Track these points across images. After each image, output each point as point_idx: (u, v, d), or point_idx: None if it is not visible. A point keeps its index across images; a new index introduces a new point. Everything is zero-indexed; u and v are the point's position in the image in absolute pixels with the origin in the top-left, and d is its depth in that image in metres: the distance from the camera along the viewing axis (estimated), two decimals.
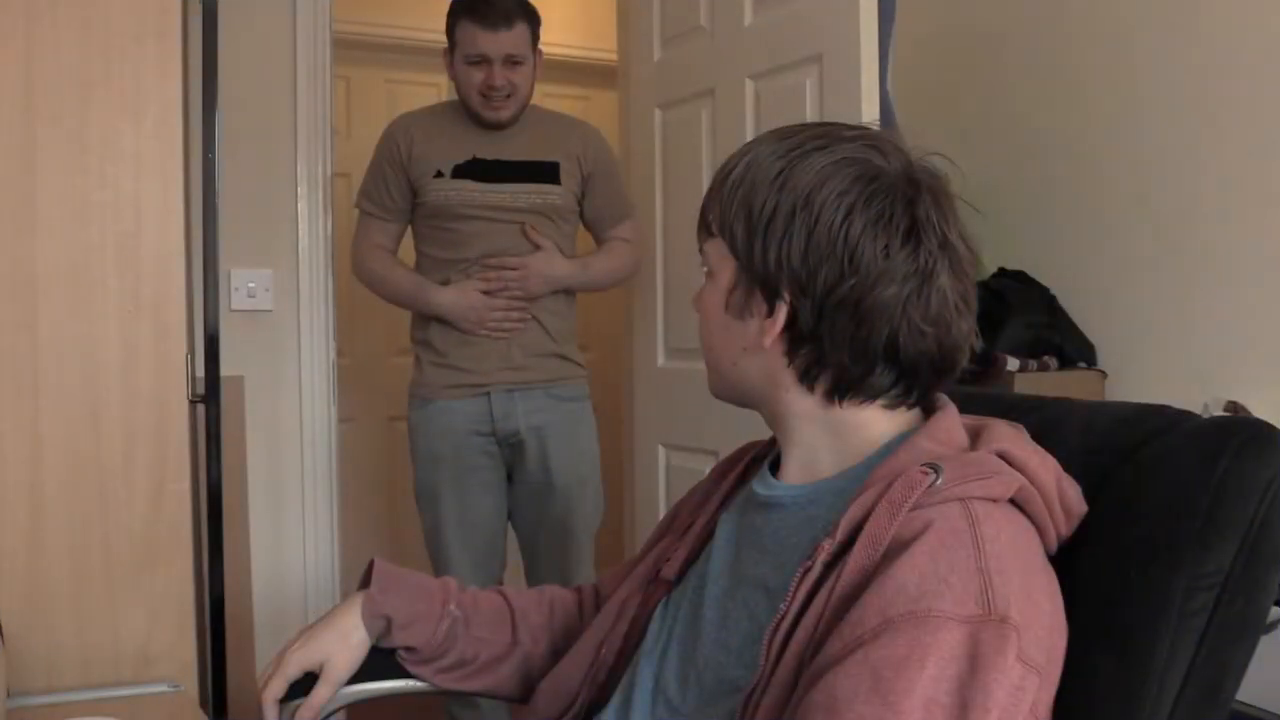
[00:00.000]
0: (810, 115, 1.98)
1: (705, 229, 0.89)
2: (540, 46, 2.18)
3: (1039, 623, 0.70)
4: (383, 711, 1.37)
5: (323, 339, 2.50)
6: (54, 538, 1.33)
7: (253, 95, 2.38)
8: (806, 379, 0.84)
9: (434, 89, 3.69)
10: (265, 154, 2.42)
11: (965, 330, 0.84)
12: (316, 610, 2.48)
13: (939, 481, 0.74)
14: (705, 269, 0.91)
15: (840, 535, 0.75)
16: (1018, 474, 0.77)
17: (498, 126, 2.15)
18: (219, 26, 1.69)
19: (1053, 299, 2.20)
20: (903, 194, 0.81)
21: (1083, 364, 2.14)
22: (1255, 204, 1.88)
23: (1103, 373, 2.13)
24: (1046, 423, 0.91)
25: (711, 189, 0.89)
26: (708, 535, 0.98)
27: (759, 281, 0.84)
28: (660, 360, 2.48)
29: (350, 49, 3.38)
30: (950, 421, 0.84)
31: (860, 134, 0.85)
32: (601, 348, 3.68)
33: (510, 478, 2.22)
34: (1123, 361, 2.11)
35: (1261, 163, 1.87)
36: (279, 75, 2.43)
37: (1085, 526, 0.83)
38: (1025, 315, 2.14)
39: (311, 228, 2.49)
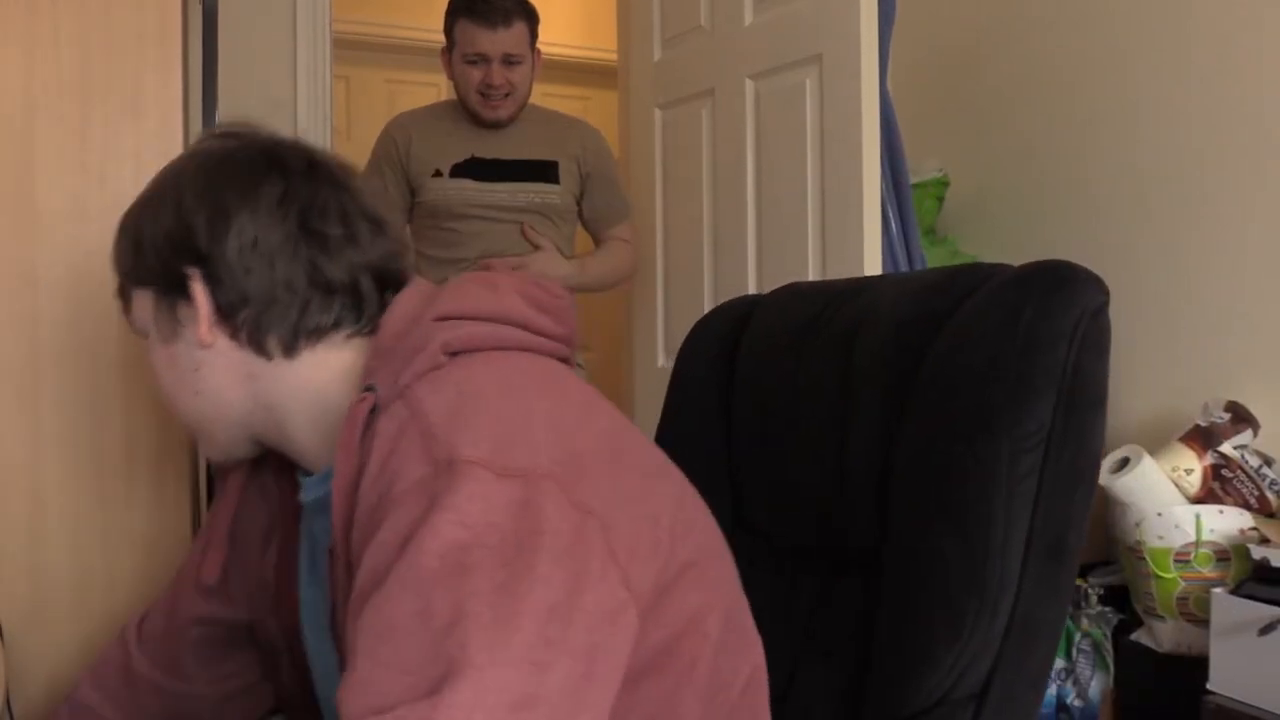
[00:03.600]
0: (810, 115, 1.98)
1: (121, 294, 0.87)
2: (539, 46, 2.19)
3: (538, 424, 0.67)
4: None
5: None
6: (54, 537, 1.33)
7: (253, 95, 2.38)
8: (259, 345, 0.80)
9: (434, 89, 3.69)
10: None
11: (391, 237, 0.83)
12: None
13: (379, 398, 0.71)
14: (143, 334, 0.87)
15: (337, 507, 0.71)
16: (447, 333, 0.73)
17: (496, 126, 2.15)
18: (219, 26, 1.68)
19: None
20: (257, 148, 0.82)
21: None
22: (1255, 204, 1.88)
23: None
24: (865, 302, 0.89)
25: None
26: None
27: (165, 282, 0.81)
28: (660, 360, 2.48)
29: (350, 49, 3.38)
30: (393, 318, 0.78)
31: (211, 133, 0.87)
32: (601, 348, 3.68)
33: None
34: (1122, 361, 2.11)
35: (1261, 163, 1.87)
36: (279, 75, 2.43)
37: (909, 400, 0.80)
38: None
39: None
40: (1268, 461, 1.72)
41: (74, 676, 1.22)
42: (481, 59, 2.09)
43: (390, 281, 0.83)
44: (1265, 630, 1.42)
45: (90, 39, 1.34)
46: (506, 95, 2.12)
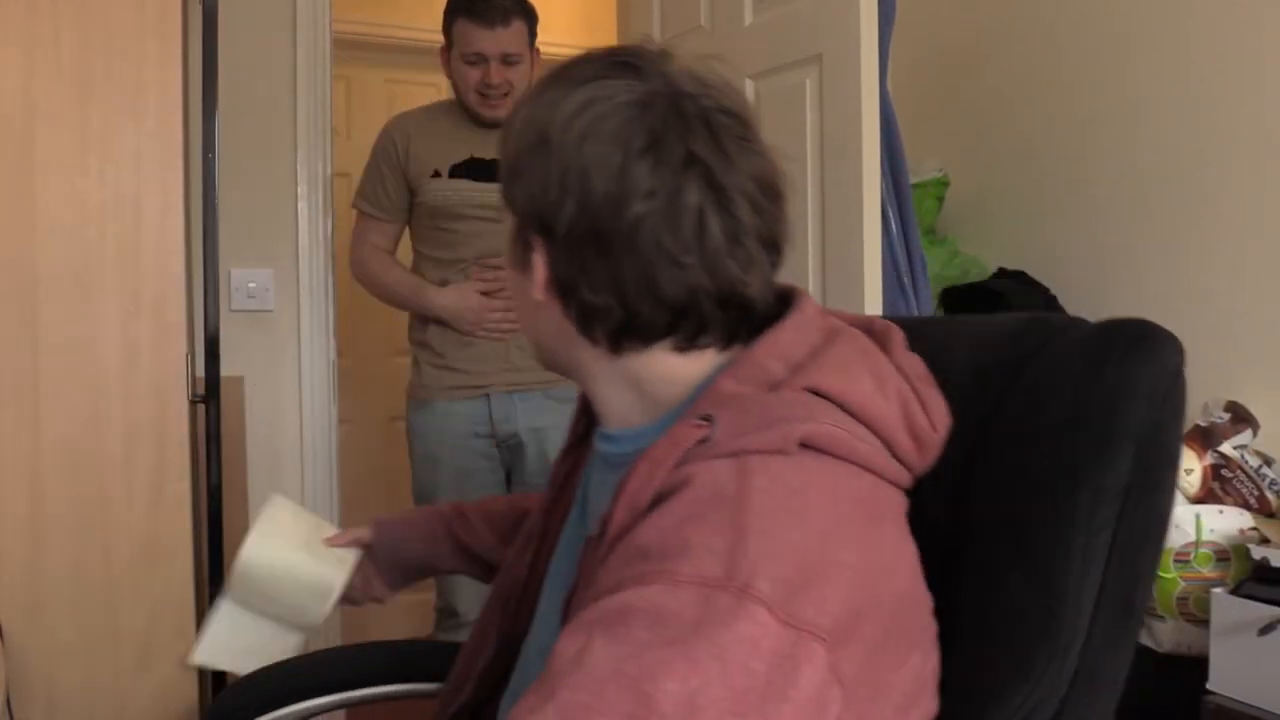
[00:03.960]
0: (810, 115, 1.98)
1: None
2: (538, 45, 2.19)
3: (828, 580, 0.61)
4: (383, 711, 1.37)
5: (323, 339, 2.50)
6: (54, 537, 1.33)
7: (253, 95, 2.38)
8: (586, 330, 0.76)
9: (434, 89, 3.69)
10: (265, 154, 2.42)
11: (744, 259, 0.73)
12: None
13: (713, 435, 0.66)
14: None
15: (617, 517, 0.68)
16: (813, 422, 0.68)
17: (495, 125, 2.15)
18: (219, 26, 1.69)
19: (1053, 299, 2.20)
20: (644, 108, 0.71)
21: None
22: (1255, 204, 1.88)
23: None
24: (935, 344, 0.88)
25: None
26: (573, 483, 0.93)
27: (520, 230, 0.77)
28: None
29: (350, 49, 3.38)
30: (769, 350, 0.74)
31: (611, 52, 0.76)
32: None
33: (509, 479, 2.22)
34: None
35: (1261, 162, 1.87)
36: (279, 75, 2.43)
37: (980, 446, 0.80)
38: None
39: (311, 228, 2.49)
40: (1268, 461, 1.72)
41: (74, 676, 1.22)
42: (480, 58, 2.09)
43: (735, 303, 0.75)
44: (1265, 630, 1.42)
45: (90, 39, 1.34)
46: (505, 95, 2.12)
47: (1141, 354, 0.76)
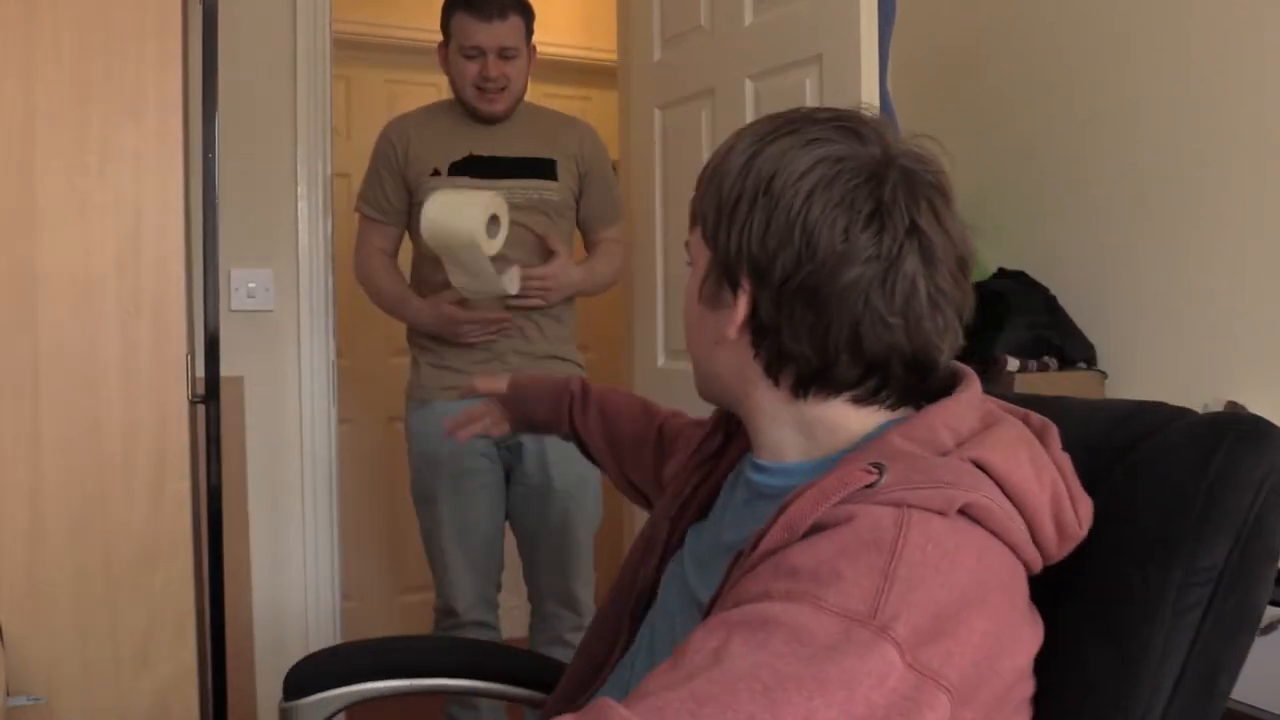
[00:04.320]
0: None
1: (691, 219, 0.88)
2: (534, 42, 2.19)
3: (960, 641, 0.65)
4: (383, 711, 1.37)
5: (323, 339, 2.50)
6: (54, 538, 1.33)
7: (253, 95, 2.38)
8: (772, 372, 0.82)
9: (434, 89, 3.69)
10: (265, 154, 2.42)
11: (941, 325, 0.79)
12: (316, 611, 2.48)
13: (880, 482, 0.70)
14: (688, 261, 0.89)
15: (773, 535, 0.72)
16: (976, 492, 0.71)
17: (492, 120, 2.15)
18: (219, 26, 1.69)
19: (1053, 299, 2.20)
20: (870, 176, 0.77)
21: (1082, 364, 2.14)
22: (1255, 204, 1.88)
23: (1103, 373, 2.13)
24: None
25: (698, 180, 0.88)
26: (721, 480, 0.98)
27: (724, 269, 0.81)
28: (660, 360, 2.48)
29: (350, 49, 3.38)
30: (941, 418, 0.78)
31: (837, 116, 0.81)
32: (601, 348, 3.68)
33: (508, 479, 2.22)
34: (1123, 361, 2.11)
35: (1261, 162, 1.87)
36: (279, 75, 2.43)
37: None
38: (1025, 315, 2.14)
39: (311, 228, 2.49)
40: None
41: (74, 676, 1.22)
42: (478, 52, 2.10)
43: (923, 366, 0.81)
44: (1265, 630, 1.43)
45: (90, 39, 1.34)
46: (502, 89, 2.12)
47: (1251, 447, 0.77)
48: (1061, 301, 2.20)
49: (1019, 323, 2.12)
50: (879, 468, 0.71)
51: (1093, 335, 2.15)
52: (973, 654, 0.66)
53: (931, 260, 0.77)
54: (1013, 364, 2.03)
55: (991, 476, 0.74)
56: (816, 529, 0.69)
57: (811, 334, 0.78)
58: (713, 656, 0.62)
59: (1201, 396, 1.85)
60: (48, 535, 1.32)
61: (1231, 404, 1.78)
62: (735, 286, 0.80)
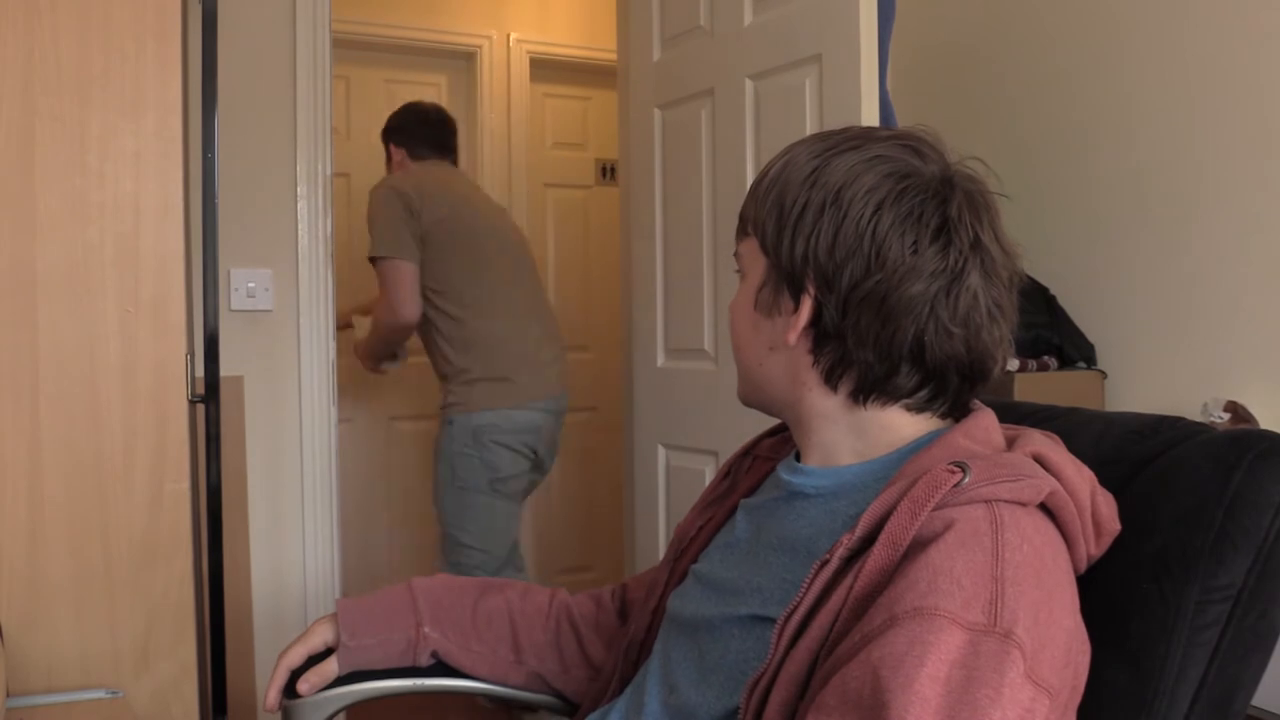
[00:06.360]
0: (810, 115, 1.98)
1: (741, 230, 0.91)
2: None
3: (1054, 641, 0.68)
4: (383, 711, 1.37)
5: (323, 339, 2.50)
6: (54, 538, 1.33)
7: (252, 95, 2.38)
8: (831, 378, 0.84)
9: (434, 89, 3.69)
10: (265, 154, 2.42)
11: (997, 336, 0.83)
12: (316, 610, 2.48)
13: (965, 480, 0.72)
14: (738, 271, 0.91)
15: (860, 531, 0.74)
16: (1051, 479, 0.75)
17: None
18: (219, 26, 1.69)
19: (1053, 299, 2.20)
20: (935, 193, 0.81)
21: (1083, 364, 2.14)
22: (1254, 204, 1.88)
23: (1102, 373, 2.13)
24: (1059, 434, 0.91)
25: (750, 191, 0.90)
26: (724, 520, 0.99)
27: (786, 277, 0.84)
28: (660, 360, 2.48)
29: (350, 49, 3.38)
30: (988, 422, 0.83)
31: (896, 135, 0.85)
32: (601, 348, 3.68)
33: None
34: (1123, 361, 2.11)
35: (1260, 162, 1.87)
36: (279, 75, 2.43)
37: None
38: (1025, 315, 2.14)
39: (311, 228, 2.49)
40: None
41: (74, 676, 1.22)
42: None
43: (977, 374, 0.84)
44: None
45: (89, 39, 1.34)
46: None
47: (1272, 466, 0.77)
48: (1061, 301, 2.20)
49: (1019, 322, 2.12)
50: (962, 466, 0.73)
51: (1093, 335, 2.15)
52: (1062, 656, 0.68)
53: (991, 274, 0.81)
54: (1012, 364, 2.03)
55: (1049, 470, 0.76)
56: (922, 541, 0.70)
57: (877, 341, 0.80)
58: (885, 693, 0.63)
59: (1201, 396, 1.85)
60: (47, 535, 1.32)
61: (1231, 404, 1.78)
62: (799, 293, 0.83)
